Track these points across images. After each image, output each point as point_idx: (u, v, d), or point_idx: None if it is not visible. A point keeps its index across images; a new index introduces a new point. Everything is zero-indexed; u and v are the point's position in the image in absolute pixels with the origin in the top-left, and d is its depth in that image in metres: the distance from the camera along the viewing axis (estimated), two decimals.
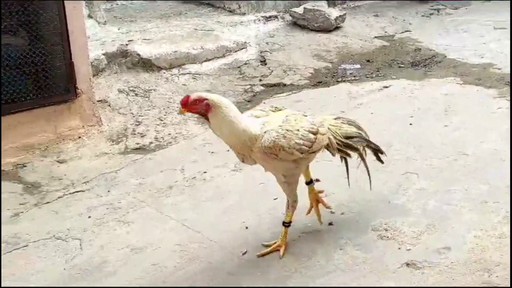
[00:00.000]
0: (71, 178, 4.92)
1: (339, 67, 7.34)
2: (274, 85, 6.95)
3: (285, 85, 6.95)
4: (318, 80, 6.99)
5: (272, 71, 7.27)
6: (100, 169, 5.07)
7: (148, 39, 7.25)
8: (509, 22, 8.06)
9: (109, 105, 6.24)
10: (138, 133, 5.79)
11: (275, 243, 3.58)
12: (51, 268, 3.67)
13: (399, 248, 3.48)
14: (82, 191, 4.70)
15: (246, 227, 3.91)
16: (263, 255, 3.53)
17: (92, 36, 6.89)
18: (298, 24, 8.52)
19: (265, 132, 3.31)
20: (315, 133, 3.42)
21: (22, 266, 3.71)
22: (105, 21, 7.70)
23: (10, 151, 5.26)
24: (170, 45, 7.15)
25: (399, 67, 7.22)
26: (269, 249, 3.55)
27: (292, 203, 3.55)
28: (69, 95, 5.54)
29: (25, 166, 5.19)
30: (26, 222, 4.27)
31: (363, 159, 3.77)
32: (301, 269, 3.38)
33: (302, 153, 3.37)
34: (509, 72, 6.39)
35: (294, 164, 3.42)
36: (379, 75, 6.98)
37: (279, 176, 3.47)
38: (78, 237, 3.99)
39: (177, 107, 6.36)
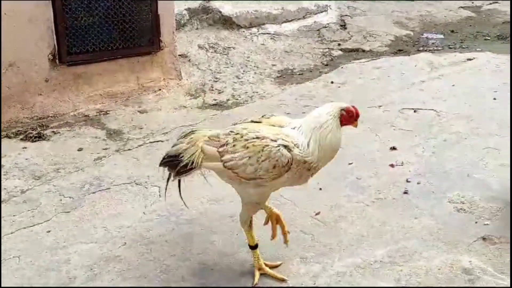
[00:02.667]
0: (151, 128, 5.09)
1: (421, 36, 7.17)
2: (353, 50, 6.88)
3: (364, 51, 6.86)
4: (399, 48, 6.85)
5: (351, 36, 7.18)
6: (179, 121, 5.21)
7: None
8: None
9: (189, 60, 6.35)
10: (216, 89, 5.89)
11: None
12: (131, 211, 3.84)
13: (476, 222, 3.43)
14: (161, 141, 4.85)
15: (320, 189, 3.94)
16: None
17: None
18: None
19: None
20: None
21: (104, 207, 3.89)
22: None
23: (95, 97, 5.48)
24: (251, 4, 7.16)
25: (485, 39, 6.97)
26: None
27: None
28: (153, 47, 5.68)
29: (108, 113, 5.39)
30: (108, 166, 4.46)
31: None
32: (374, 234, 3.39)
33: None
34: None
35: None
36: (463, 46, 6.77)
37: None
38: (157, 184, 4.14)
39: (254, 66, 6.42)
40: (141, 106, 5.55)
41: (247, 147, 2.85)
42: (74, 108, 5.41)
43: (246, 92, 5.85)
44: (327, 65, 6.56)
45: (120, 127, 5.16)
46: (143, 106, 5.55)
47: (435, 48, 6.77)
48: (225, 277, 3.12)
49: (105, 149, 4.76)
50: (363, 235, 3.40)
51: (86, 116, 5.35)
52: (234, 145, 2.91)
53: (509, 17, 7.74)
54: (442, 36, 7.07)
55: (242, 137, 2.90)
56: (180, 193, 3.32)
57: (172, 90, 5.85)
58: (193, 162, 3.13)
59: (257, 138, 2.84)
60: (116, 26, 5.47)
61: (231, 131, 2.98)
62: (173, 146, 3.29)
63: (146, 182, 4.19)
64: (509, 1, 8.20)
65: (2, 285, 3.09)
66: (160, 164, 3.32)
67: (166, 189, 3.34)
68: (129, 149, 4.73)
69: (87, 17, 5.33)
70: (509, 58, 6.15)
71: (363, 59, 6.56)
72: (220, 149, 2.97)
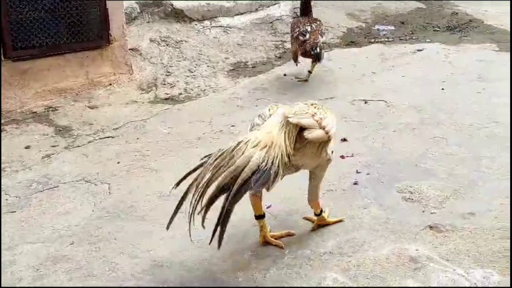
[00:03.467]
0: (101, 124, 5.00)
1: (373, 27, 7.24)
2: None
3: None
4: (351, 40, 6.92)
5: None
6: (130, 116, 5.14)
7: None
8: None
9: (140, 54, 6.27)
10: (168, 83, 5.83)
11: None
12: (79, 209, 3.77)
13: (423, 211, 3.49)
14: (112, 137, 4.77)
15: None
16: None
17: None
18: None
19: None
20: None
21: (52, 206, 3.81)
22: None
23: (42, 93, 5.36)
24: None
25: (434, 30, 7.09)
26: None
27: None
28: (102, 41, 5.58)
29: (57, 110, 5.28)
30: (57, 164, 4.37)
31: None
32: (323, 226, 3.41)
33: None
34: None
35: None
36: (413, 37, 6.87)
37: None
38: (107, 181, 4.08)
39: (207, 59, 6.38)
40: (91, 101, 5.45)
41: (326, 111, 3.08)
42: (21, 104, 5.27)
43: (199, 86, 5.81)
44: (280, 57, 6.57)
45: (69, 123, 5.06)
46: (93, 102, 5.45)
47: (386, 39, 6.86)
48: (177, 274, 3.09)
49: (54, 146, 4.66)
50: (312, 227, 3.41)
51: (34, 112, 5.22)
52: (321, 112, 3.03)
53: (458, 8, 7.90)
54: (393, 28, 7.16)
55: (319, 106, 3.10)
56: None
57: (123, 84, 5.76)
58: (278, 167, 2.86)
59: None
60: (63, 20, 5.35)
61: (307, 103, 3.11)
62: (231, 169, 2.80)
63: (95, 179, 4.12)
64: None
65: (2, 285, 3.00)
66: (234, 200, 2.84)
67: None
68: (78, 146, 4.64)
69: (32, 11, 5.19)
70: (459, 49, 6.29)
71: None
72: (316, 118, 2.96)
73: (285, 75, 6.03)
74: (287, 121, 2.95)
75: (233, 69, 6.22)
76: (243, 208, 3.62)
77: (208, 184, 2.83)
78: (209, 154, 2.97)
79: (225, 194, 2.85)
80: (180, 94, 5.63)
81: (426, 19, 7.48)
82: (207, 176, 2.83)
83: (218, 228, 2.89)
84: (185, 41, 6.63)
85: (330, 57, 6.39)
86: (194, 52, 6.48)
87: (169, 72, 6.03)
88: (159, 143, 4.60)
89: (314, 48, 5.46)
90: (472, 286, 2.68)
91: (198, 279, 3.04)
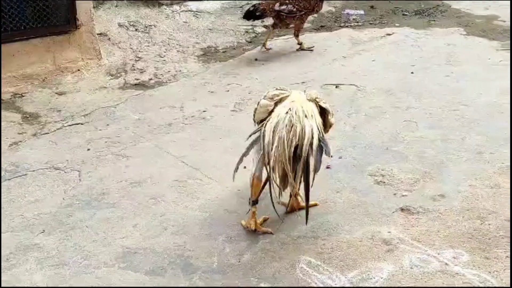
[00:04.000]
0: (70, 110, 4.92)
1: (343, 12, 7.24)
2: None
3: (287, 27, 6.86)
4: (321, 24, 6.91)
5: None
6: (99, 102, 5.06)
7: None
8: None
9: (109, 39, 6.16)
10: (138, 68, 5.75)
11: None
12: (49, 197, 3.71)
13: (395, 194, 3.53)
14: (81, 123, 4.70)
15: (244, 167, 3.93)
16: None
17: None
18: None
19: None
20: (258, 103, 3.24)
21: (21, 195, 3.74)
22: None
23: (8, 80, 5.23)
24: None
25: (403, 15, 7.13)
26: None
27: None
28: (68, 26, 5.47)
29: (24, 96, 5.17)
30: (25, 151, 4.28)
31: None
32: (298, 210, 3.42)
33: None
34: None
35: None
36: (383, 22, 6.90)
37: None
38: (77, 168, 4.02)
39: (177, 44, 6.31)
40: (58, 87, 5.34)
41: None
42: None
43: (169, 71, 5.74)
44: (250, 42, 6.53)
45: (37, 110, 4.95)
46: (61, 88, 5.34)
47: (356, 24, 6.88)
48: (149, 261, 3.07)
49: (21, 133, 4.56)
50: (287, 211, 3.42)
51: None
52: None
53: None
54: (362, 12, 7.17)
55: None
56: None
57: (91, 70, 5.66)
58: None
59: None
60: (28, 4, 5.21)
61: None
62: None
63: (65, 166, 4.05)
64: None
65: (2, 285, 2.92)
66: None
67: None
68: (46, 133, 4.56)
69: None
70: (428, 33, 6.34)
71: (286, 36, 6.57)
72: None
73: (256, 59, 6.00)
74: (316, 103, 3.14)
75: (204, 54, 6.16)
76: (216, 192, 3.63)
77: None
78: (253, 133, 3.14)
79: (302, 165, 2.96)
80: (150, 79, 5.56)
81: (395, 3, 7.51)
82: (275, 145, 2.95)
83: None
84: (155, 26, 6.54)
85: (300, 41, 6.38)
86: (164, 37, 6.40)
87: (138, 57, 5.95)
88: (130, 129, 4.55)
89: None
90: (472, 286, 2.73)
91: (172, 265, 3.03)
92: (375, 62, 5.65)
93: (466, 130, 4.22)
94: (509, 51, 5.60)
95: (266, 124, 3.05)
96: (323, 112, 3.17)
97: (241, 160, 3.17)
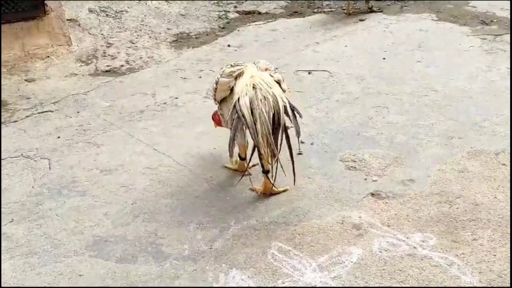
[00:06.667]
0: (39, 98, 4.84)
1: None
2: (249, 12, 6.85)
3: (260, 13, 6.85)
4: (294, 10, 6.90)
5: None
6: (69, 89, 5.00)
7: None
8: None
9: (79, 25, 6.07)
10: (109, 55, 5.68)
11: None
12: (18, 185, 3.66)
13: (365, 179, 3.56)
14: (51, 111, 4.63)
15: (214, 148, 3.93)
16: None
17: None
18: None
19: None
20: (216, 82, 3.36)
21: None
22: None
23: None
24: None
25: (376, 0, 7.13)
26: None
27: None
28: (37, 11, 5.37)
29: None
30: None
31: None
32: (269, 196, 3.43)
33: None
34: (485, 11, 6.40)
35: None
36: (355, 7, 6.90)
37: None
38: (47, 156, 3.97)
39: (149, 30, 6.25)
40: (28, 74, 5.26)
41: None
42: None
43: (141, 57, 5.69)
44: (223, 28, 6.50)
45: (5, 97, 4.87)
46: (30, 75, 5.26)
47: (329, 10, 6.88)
48: (120, 249, 3.06)
49: None
50: (258, 197, 3.44)
51: None
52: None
53: None
54: None
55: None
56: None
57: (61, 56, 5.57)
58: None
59: None
60: None
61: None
62: None
63: (34, 154, 4.00)
64: None
65: (2, 285, 2.87)
66: None
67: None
68: (15, 121, 4.49)
69: None
70: (399, 19, 6.37)
71: (259, 22, 6.55)
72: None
73: (229, 45, 5.97)
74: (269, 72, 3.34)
75: (176, 40, 6.11)
76: (188, 179, 3.62)
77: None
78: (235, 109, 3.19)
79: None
80: (122, 66, 5.50)
81: None
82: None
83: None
84: (126, 12, 6.46)
85: (274, 27, 6.37)
86: (136, 23, 6.32)
87: (109, 43, 5.88)
88: (100, 117, 4.50)
89: None
90: (473, 286, 2.77)
91: (143, 252, 3.02)
92: (348, 48, 5.67)
93: (436, 115, 4.27)
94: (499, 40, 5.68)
95: (239, 103, 3.16)
96: (277, 81, 3.35)
97: (233, 143, 3.23)
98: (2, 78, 5.15)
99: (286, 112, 3.21)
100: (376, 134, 4.05)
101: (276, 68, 3.50)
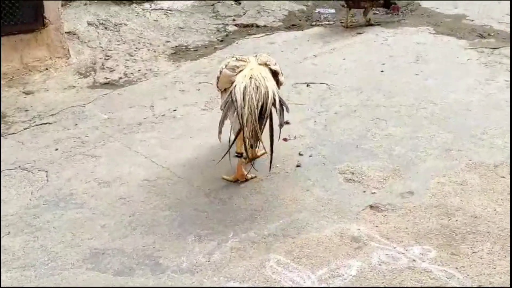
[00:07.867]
0: (37, 110, 4.84)
1: (314, 10, 7.27)
2: (247, 25, 6.87)
3: (258, 26, 6.87)
4: (292, 23, 6.92)
5: (246, 11, 7.16)
6: (68, 102, 4.99)
7: None
8: None
9: (78, 38, 6.08)
10: (107, 67, 5.69)
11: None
12: (16, 198, 3.65)
13: (364, 191, 3.55)
14: (49, 123, 4.63)
15: (212, 160, 3.92)
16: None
17: None
18: None
19: None
20: (220, 71, 3.64)
21: None
22: None
23: None
24: None
25: (374, 13, 7.16)
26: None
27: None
28: (36, 24, 5.38)
29: None
30: None
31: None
32: (268, 208, 3.43)
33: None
34: (482, 25, 6.43)
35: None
36: (353, 20, 6.92)
37: None
38: (45, 168, 3.96)
39: (148, 43, 6.26)
40: (26, 87, 5.25)
41: None
42: None
43: (140, 70, 5.69)
44: (222, 41, 6.51)
45: (4, 109, 4.86)
46: (29, 87, 5.25)
47: (327, 22, 6.91)
48: (118, 261, 3.04)
49: None
50: (256, 209, 3.43)
51: None
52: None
53: None
54: (333, 11, 7.21)
55: None
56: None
57: (60, 69, 5.58)
58: None
59: None
60: None
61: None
62: None
63: (32, 167, 3.99)
64: None
65: (2, 285, 2.84)
66: None
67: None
68: (13, 133, 4.48)
69: None
70: (397, 32, 6.40)
71: (257, 34, 6.57)
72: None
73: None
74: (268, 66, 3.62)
75: (175, 53, 6.12)
76: (186, 192, 3.61)
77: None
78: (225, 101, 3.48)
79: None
80: (120, 78, 5.50)
81: None
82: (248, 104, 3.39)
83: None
84: (125, 24, 6.48)
85: (272, 40, 6.39)
86: (134, 36, 6.34)
87: (108, 56, 5.88)
88: (99, 129, 4.49)
89: None
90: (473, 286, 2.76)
91: (140, 265, 3.00)
92: (346, 61, 5.68)
93: (435, 127, 4.27)
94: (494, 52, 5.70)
95: (235, 89, 3.43)
96: (275, 74, 3.63)
97: (222, 123, 3.50)
98: (1, 91, 5.14)
99: (274, 104, 3.45)
100: (374, 147, 4.05)
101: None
